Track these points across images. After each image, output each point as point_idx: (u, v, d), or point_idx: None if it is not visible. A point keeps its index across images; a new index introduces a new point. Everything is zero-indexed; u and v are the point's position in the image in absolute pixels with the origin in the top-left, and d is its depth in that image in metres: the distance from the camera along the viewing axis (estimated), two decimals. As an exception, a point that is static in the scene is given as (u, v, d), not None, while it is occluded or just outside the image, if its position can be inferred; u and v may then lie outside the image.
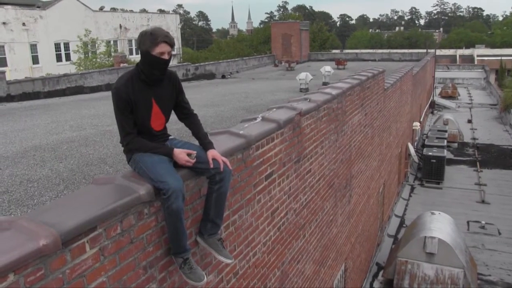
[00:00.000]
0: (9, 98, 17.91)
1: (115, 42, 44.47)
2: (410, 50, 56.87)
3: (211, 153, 3.07)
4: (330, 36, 65.81)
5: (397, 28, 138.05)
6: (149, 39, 2.85)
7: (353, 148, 8.32)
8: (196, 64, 30.42)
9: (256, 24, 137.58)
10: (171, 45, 2.91)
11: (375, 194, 10.93)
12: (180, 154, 2.93)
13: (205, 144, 3.13)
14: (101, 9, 46.77)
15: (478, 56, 66.59)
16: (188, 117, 3.22)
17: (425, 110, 28.11)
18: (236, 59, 36.32)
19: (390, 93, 12.35)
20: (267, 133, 4.47)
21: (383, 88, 11.21)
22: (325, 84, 19.29)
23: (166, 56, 2.90)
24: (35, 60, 37.36)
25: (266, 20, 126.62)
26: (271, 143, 4.59)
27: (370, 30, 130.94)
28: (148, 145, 2.88)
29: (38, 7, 39.20)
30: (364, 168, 9.37)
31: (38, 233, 2.14)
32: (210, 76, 29.92)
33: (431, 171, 17.74)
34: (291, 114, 5.09)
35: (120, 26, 45.43)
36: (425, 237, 9.44)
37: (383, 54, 43.39)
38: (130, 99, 2.83)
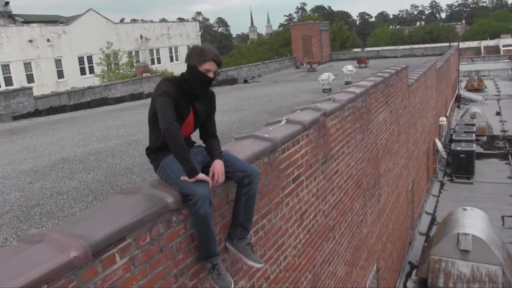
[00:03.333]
0: (37, 113, 18.31)
1: (137, 52, 45.05)
2: (433, 45, 56.02)
3: (214, 164, 2.99)
4: (351, 35, 65.33)
5: (418, 23, 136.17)
6: (199, 55, 2.95)
7: (379, 146, 8.20)
8: (218, 70, 30.25)
9: (275, 27, 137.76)
10: (219, 64, 3.01)
11: (404, 192, 10.75)
12: (203, 179, 2.84)
13: (216, 154, 3.08)
14: (122, 21, 47.59)
15: (504, 46, 65.18)
16: (211, 137, 3.22)
17: (451, 105, 27.59)
18: (257, 63, 36.39)
19: (414, 89, 12.15)
20: (293, 135, 4.44)
21: (407, 84, 11.03)
22: (348, 83, 19.12)
23: (211, 75, 2.99)
24: (60, 74, 38.17)
25: (285, 23, 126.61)
26: (297, 145, 4.55)
27: (391, 27, 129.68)
28: (182, 142, 2.77)
29: (61, 22, 40.15)
30: (392, 166, 9.23)
31: (68, 245, 2.15)
32: (232, 81, 30.06)
33: (460, 166, 17.39)
34: (315, 115, 5.04)
35: (141, 37, 46.03)
36: (458, 234, 9.22)
37: (405, 50, 42.83)
38: (175, 97, 2.89)
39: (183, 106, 2.97)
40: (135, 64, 32.05)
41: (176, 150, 2.76)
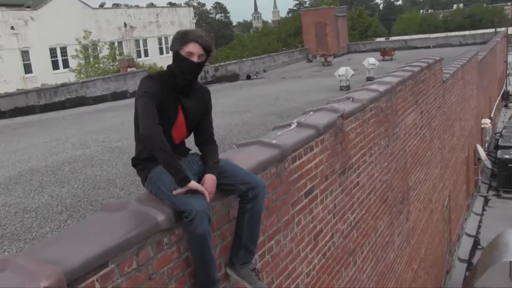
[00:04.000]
0: (0, 115, 18.40)
1: (120, 43, 45.24)
2: (473, 32, 55.84)
3: (204, 179, 3.01)
4: (373, 21, 65.50)
5: (454, 6, 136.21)
6: (181, 38, 3.08)
7: (408, 154, 8.20)
8: (216, 65, 30.79)
9: (283, 13, 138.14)
10: (205, 47, 3.08)
11: (439, 208, 10.74)
12: (197, 189, 2.88)
13: (210, 167, 3.10)
14: (102, 6, 47.78)
15: None
16: (208, 142, 3.27)
17: (496, 104, 27.55)
18: (263, 56, 36.66)
19: (450, 86, 12.17)
20: (305, 141, 4.46)
21: (441, 80, 11.05)
22: (369, 79, 19.16)
23: (195, 58, 3.06)
24: (27, 69, 38.32)
25: (295, 8, 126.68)
26: (310, 153, 4.57)
27: (421, 11, 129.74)
28: (165, 146, 2.82)
29: (28, 7, 40.05)
30: (423, 177, 9.23)
31: (38, 273, 2.14)
32: (233, 77, 30.52)
33: (509, 178, 17.25)
34: (331, 117, 5.06)
35: (125, 25, 46.38)
36: (511, 262, 9.16)
37: (439, 39, 42.90)
38: (158, 97, 2.96)
39: (170, 106, 3.04)
40: (118, 57, 32.26)
41: (160, 156, 2.82)
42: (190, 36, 3.06)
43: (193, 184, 2.82)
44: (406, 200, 8.03)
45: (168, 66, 3.14)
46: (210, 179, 2.99)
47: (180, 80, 3.06)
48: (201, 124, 3.27)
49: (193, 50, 3.04)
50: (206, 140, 3.26)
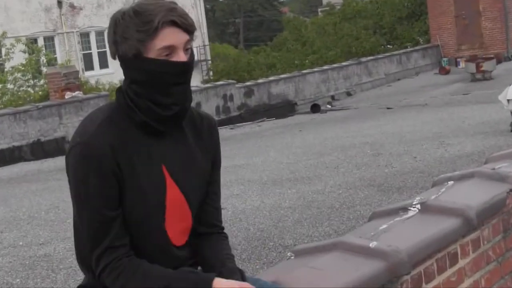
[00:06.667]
0: None
1: (50, 39, 27.58)
2: None
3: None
4: None
5: None
6: (135, 26, 1.94)
7: None
8: (248, 84, 19.45)
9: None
10: (186, 28, 1.98)
11: None
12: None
13: (229, 269, 2.15)
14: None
15: None
16: (213, 232, 2.28)
17: None
18: (344, 64, 22.59)
19: None
20: (439, 243, 2.92)
21: None
22: None
23: (181, 54, 2.01)
24: None
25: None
26: (451, 268, 2.98)
27: None
28: (160, 274, 1.97)
29: None
30: None
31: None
32: (284, 108, 19.06)
33: None
34: (495, 192, 3.41)
35: (60, 3, 27.59)
36: None
37: None
38: (115, 167, 1.97)
39: (139, 170, 2.00)
40: (45, 70, 19.57)
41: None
42: (157, 16, 1.92)
43: (218, 281, 1.93)
44: None
45: (122, 91, 2.04)
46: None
47: (163, 111, 2.00)
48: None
49: (172, 41, 1.94)
50: (210, 226, 2.27)
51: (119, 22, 1.96)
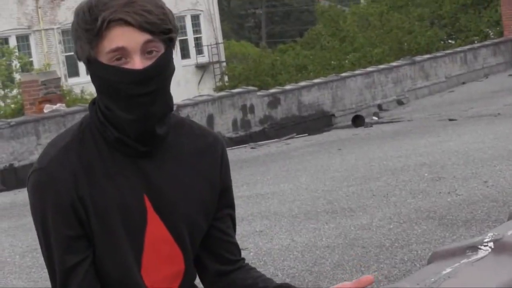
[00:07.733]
0: None
1: (24, 39, 23.92)
2: None
3: None
4: None
5: None
6: (84, 25, 1.64)
7: None
8: (272, 91, 17.15)
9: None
10: (146, 28, 1.61)
11: None
12: None
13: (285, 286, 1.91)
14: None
15: None
16: (238, 265, 1.92)
17: None
18: (393, 64, 19.55)
19: None
20: None
21: None
22: None
23: (137, 61, 1.62)
24: None
25: None
26: None
27: None
28: None
29: None
30: None
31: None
32: (318, 122, 16.83)
33: None
34: None
35: None
36: None
37: None
38: (76, 201, 1.68)
39: (113, 204, 1.71)
40: (18, 77, 17.32)
41: None
42: (106, 11, 1.59)
43: None
44: None
45: (94, 104, 1.78)
46: None
47: (129, 129, 1.65)
48: (214, 224, 1.90)
49: (122, 42, 1.61)
50: (231, 262, 1.91)
51: (75, 18, 1.69)
